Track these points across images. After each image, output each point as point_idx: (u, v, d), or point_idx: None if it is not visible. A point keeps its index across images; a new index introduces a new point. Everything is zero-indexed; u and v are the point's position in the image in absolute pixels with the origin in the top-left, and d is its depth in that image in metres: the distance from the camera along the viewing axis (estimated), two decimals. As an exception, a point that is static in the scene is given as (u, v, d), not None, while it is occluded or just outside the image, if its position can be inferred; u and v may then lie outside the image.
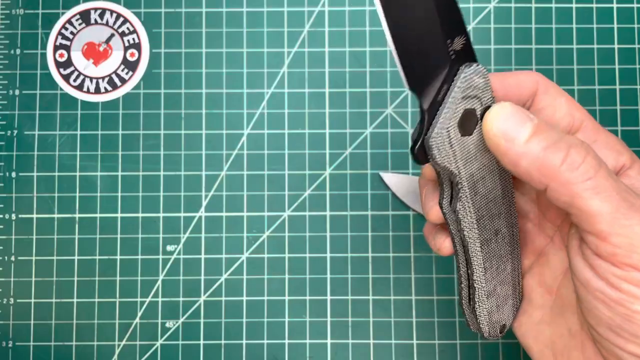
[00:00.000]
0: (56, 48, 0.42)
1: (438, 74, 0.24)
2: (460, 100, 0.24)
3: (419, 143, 0.25)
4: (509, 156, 0.24)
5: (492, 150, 0.24)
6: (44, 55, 0.41)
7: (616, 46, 0.41)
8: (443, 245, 0.29)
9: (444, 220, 0.28)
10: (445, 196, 0.27)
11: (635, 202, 0.23)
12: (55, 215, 0.40)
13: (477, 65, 0.25)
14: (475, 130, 0.25)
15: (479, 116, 0.25)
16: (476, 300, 0.28)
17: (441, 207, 0.27)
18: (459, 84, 0.24)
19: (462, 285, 0.29)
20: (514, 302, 0.30)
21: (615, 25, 0.41)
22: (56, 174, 0.41)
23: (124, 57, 0.42)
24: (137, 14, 0.42)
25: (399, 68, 0.24)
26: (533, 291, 0.29)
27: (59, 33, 0.42)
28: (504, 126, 0.24)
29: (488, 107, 0.25)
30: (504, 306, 0.29)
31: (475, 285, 0.28)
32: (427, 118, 0.24)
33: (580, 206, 0.23)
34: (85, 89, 0.41)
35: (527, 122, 0.24)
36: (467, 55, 0.25)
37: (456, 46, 0.24)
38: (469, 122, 0.25)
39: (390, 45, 0.24)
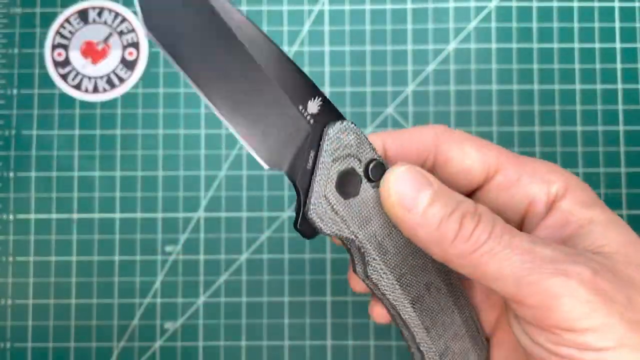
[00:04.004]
0: (54, 47, 0.41)
1: (299, 143, 0.22)
2: (331, 164, 0.22)
3: (299, 218, 0.22)
4: (406, 225, 0.22)
5: (390, 217, 0.23)
6: (41, 55, 0.41)
7: (618, 45, 0.41)
8: (373, 312, 0.28)
9: (368, 288, 0.26)
10: (357, 263, 0.25)
11: (540, 251, 0.21)
12: (54, 216, 0.40)
13: (342, 122, 0.23)
14: (361, 189, 0.23)
15: (361, 174, 0.23)
16: None
17: (358, 275, 0.25)
18: (325, 147, 0.22)
19: (412, 350, 0.26)
20: (478, 353, 0.27)
21: (617, 24, 0.41)
22: (54, 174, 0.40)
23: (123, 56, 0.41)
24: (136, 13, 0.41)
25: (250, 151, 0.22)
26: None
27: (57, 32, 0.41)
28: (401, 193, 0.22)
29: (371, 162, 0.23)
30: None
31: (421, 348, 0.26)
32: (301, 191, 0.22)
33: (482, 274, 0.22)
34: (83, 88, 0.41)
35: (425, 189, 0.22)
36: (330, 116, 0.23)
37: (312, 109, 0.23)
38: (350, 183, 0.23)
39: (232, 130, 0.22)
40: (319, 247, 0.40)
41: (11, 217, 0.40)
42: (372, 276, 0.24)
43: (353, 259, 0.25)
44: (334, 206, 0.23)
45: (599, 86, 0.40)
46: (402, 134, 0.26)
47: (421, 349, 0.26)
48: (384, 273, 0.24)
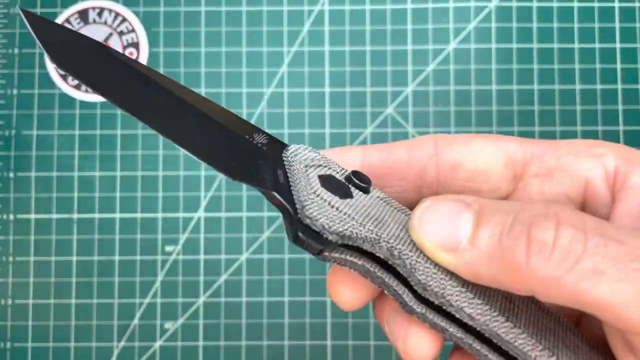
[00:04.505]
0: (54, 47, 0.41)
1: (263, 165, 0.19)
2: (305, 170, 0.19)
3: (300, 228, 0.18)
4: (462, 270, 0.17)
5: (437, 262, 0.18)
6: (42, 55, 0.41)
7: (618, 45, 0.41)
8: (419, 346, 0.19)
9: (434, 328, 0.18)
10: (401, 293, 0.18)
11: None
12: (54, 216, 0.40)
13: (297, 145, 0.20)
14: (354, 194, 0.19)
15: (343, 180, 0.19)
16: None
17: (413, 312, 0.18)
18: (291, 159, 0.19)
19: None
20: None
21: (617, 25, 0.41)
22: (54, 174, 0.40)
23: (123, 56, 0.41)
24: (136, 13, 0.42)
25: (219, 170, 0.19)
26: None
27: (57, 32, 0.41)
28: (436, 236, 0.17)
29: (351, 173, 0.20)
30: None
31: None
32: (285, 201, 0.18)
33: (587, 303, 0.15)
34: (83, 88, 0.41)
35: (463, 212, 0.17)
36: (278, 145, 0.21)
37: (260, 140, 0.20)
38: (337, 186, 0.19)
39: (198, 159, 0.19)
40: (319, 247, 0.40)
41: (11, 217, 0.40)
42: (431, 284, 0.17)
43: (393, 290, 0.18)
44: (331, 202, 0.18)
45: (599, 86, 0.40)
46: (392, 147, 0.21)
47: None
48: (441, 279, 0.17)
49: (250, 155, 0.19)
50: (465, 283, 0.18)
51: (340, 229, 0.17)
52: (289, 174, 0.19)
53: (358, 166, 0.21)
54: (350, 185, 0.19)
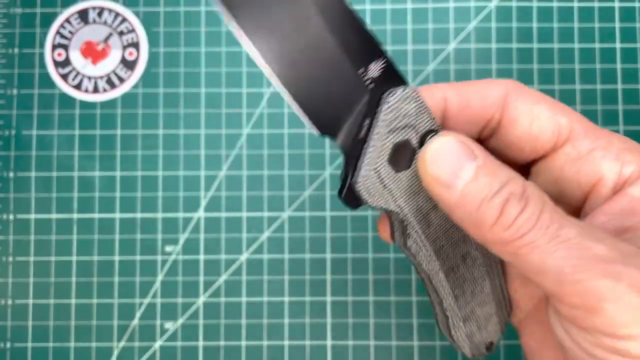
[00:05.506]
0: (54, 47, 0.41)
1: (354, 109, 0.21)
2: (386, 135, 0.21)
3: (345, 188, 0.21)
4: (443, 203, 0.21)
5: (428, 190, 0.21)
6: (42, 55, 0.41)
7: (618, 45, 0.41)
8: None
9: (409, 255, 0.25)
10: (396, 231, 0.24)
11: (591, 246, 0.19)
12: (54, 216, 0.40)
13: (404, 89, 0.21)
14: (414, 162, 0.22)
15: (415, 146, 0.22)
16: (451, 327, 0.26)
17: (394, 241, 0.24)
18: (382, 116, 0.21)
19: (436, 310, 0.26)
20: (499, 318, 0.27)
21: (617, 25, 0.41)
22: (54, 174, 0.40)
23: (123, 56, 0.41)
24: (136, 13, 0.42)
25: (302, 117, 0.20)
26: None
27: (57, 32, 0.41)
28: (440, 169, 0.20)
29: (428, 134, 0.22)
30: (487, 325, 0.27)
31: (447, 313, 0.26)
32: (350, 160, 0.21)
33: (522, 265, 0.20)
34: (83, 88, 0.41)
35: (467, 163, 0.20)
36: (391, 80, 0.21)
37: (373, 73, 0.21)
38: (403, 155, 0.22)
39: (282, 91, 0.19)
40: (319, 247, 0.40)
41: (11, 217, 0.40)
42: (412, 248, 0.23)
43: (393, 227, 0.24)
44: (384, 180, 0.21)
45: (599, 86, 0.40)
46: (467, 86, 0.24)
47: (447, 313, 0.25)
48: (423, 245, 0.23)
49: (348, 99, 0.21)
50: (434, 251, 0.24)
51: (375, 204, 0.22)
52: (370, 133, 0.21)
53: (439, 107, 0.23)
54: (418, 150, 0.22)
